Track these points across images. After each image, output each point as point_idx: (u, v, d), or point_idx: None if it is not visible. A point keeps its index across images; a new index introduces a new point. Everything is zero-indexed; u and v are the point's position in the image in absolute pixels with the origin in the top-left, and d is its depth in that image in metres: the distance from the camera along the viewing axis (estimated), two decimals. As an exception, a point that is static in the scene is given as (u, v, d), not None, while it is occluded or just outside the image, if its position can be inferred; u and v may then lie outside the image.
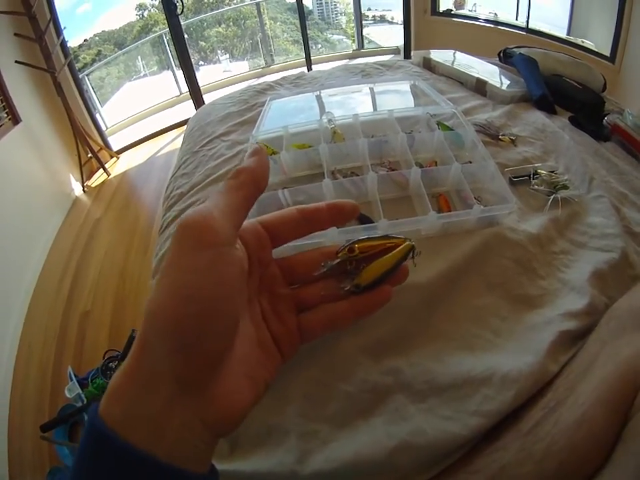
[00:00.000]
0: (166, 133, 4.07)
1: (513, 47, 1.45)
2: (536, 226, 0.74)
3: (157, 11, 4.50)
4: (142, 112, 4.53)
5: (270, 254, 0.34)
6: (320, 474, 0.49)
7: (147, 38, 4.71)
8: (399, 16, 4.48)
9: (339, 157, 0.91)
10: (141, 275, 2.33)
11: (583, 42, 2.96)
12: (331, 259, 0.34)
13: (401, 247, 0.34)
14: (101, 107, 4.23)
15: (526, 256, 0.69)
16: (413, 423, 0.51)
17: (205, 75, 4.96)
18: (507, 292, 0.65)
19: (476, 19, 3.80)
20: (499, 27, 3.58)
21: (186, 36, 4.00)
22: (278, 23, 5.56)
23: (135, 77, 4.96)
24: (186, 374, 0.25)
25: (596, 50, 2.84)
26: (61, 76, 3.08)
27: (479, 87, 1.27)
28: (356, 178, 0.83)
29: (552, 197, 0.80)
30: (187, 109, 4.15)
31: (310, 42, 4.62)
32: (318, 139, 0.91)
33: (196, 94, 3.91)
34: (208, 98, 3.81)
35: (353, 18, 5.29)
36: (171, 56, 4.70)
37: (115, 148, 3.85)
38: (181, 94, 4.72)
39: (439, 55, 1.50)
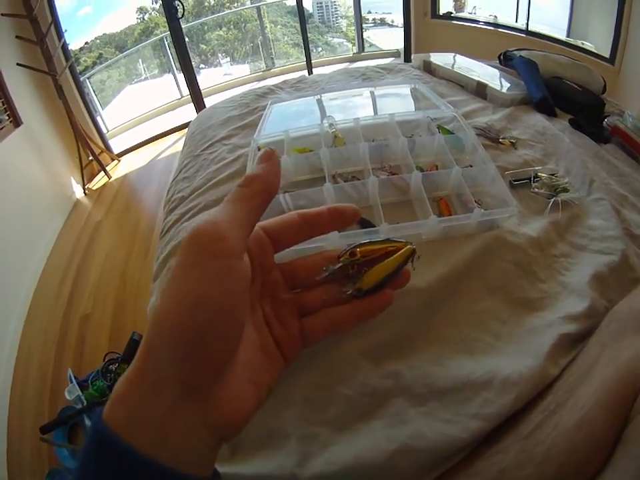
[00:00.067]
0: (167, 136, 4.08)
1: (513, 49, 1.45)
2: (536, 229, 0.74)
3: (158, 14, 4.52)
4: (143, 115, 4.55)
5: (272, 259, 0.34)
6: (320, 477, 0.49)
7: (147, 41, 4.73)
8: (399, 19, 4.48)
9: (339, 161, 0.91)
10: (142, 278, 2.33)
11: (582, 44, 2.97)
12: (333, 263, 0.34)
13: (402, 250, 0.34)
14: (102, 109, 4.24)
15: (526, 259, 0.69)
16: (413, 427, 0.51)
17: (206, 78, 4.98)
18: (507, 295, 0.65)
19: (476, 21, 3.81)
20: (499, 30, 3.59)
21: (187, 39, 4.02)
22: (278, 26, 5.57)
23: (135, 80, 4.98)
24: (191, 380, 0.25)
25: (596, 51, 2.85)
26: (62, 79, 3.09)
27: (479, 90, 1.27)
28: (357, 182, 0.83)
29: (552, 199, 0.80)
30: (188, 112, 4.16)
31: (310, 45, 4.64)
32: (319, 143, 0.92)
33: (197, 97, 3.92)
34: (209, 101, 3.81)
35: (353, 21, 5.30)
36: (171, 59, 4.72)
37: (116, 151, 3.86)
38: (181, 97, 4.74)
39: (439, 58, 1.50)
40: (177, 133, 4.06)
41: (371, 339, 0.60)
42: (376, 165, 0.89)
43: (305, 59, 4.52)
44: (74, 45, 3.81)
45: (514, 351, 0.58)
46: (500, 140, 0.99)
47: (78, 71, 3.54)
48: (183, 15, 3.53)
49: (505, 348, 0.59)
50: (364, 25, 5.27)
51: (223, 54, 5.57)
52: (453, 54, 1.58)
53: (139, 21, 4.67)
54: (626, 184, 0.89)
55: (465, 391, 0.53)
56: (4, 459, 1.62)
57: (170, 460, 0.24)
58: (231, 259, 0.26)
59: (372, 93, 1.27)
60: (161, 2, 3.61)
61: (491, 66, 1.46)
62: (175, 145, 3.81)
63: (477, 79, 1.28)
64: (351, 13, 5.34)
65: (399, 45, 4.51)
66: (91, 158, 3.39)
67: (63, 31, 3.18)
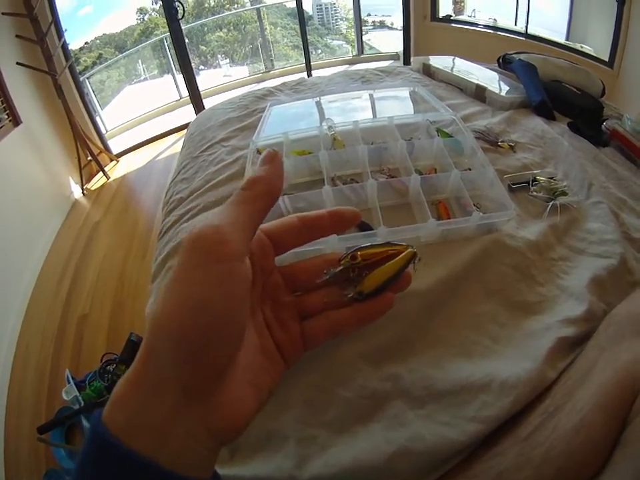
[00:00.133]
0: (166, 137, 4.08)
1: (512, 52, 1.46)
2: (535, 232, 0.75)
3: (158, 15, 4.52)
4: (142, 115, 4.54)
5: (273, 262, 0.34)
6: (318, 479, 0.49)
7: (147, 42, 4.72)
8: (398, 21, 4.48)
9: (338, 163, 0.91)
10: (140, 278, 2.33)
11: (581, 47, 2.98)
12: (334, 267, 0.34)
13: (403, 254, 0.34)
14: (101, 110, 4.23)
15: (525, 263, 0.69)
16: (411, 429, 0.51)
17: (205, 79, 4.97)
18: (505, 299, 0.66)
19: (475, 24, 3.82)
20: (498, 33, 3.60)
21: (186, 40, 4.02)
22: (278, 28, 5.57)
23: (135, 80, 4.97)
24: (192, 383, 0.25)
25: (595, 55, 2.85)
26: (61, 78, 3.08)
27: (479, 93, 1.27)
28: (356, 185, 0.83)
29: (551, 203, 0.80)
30: (187, 113, 4.15)
31: (310, 47, 4.64)
32: (318, 146, 0.92)
33: (196, 98, 3.92)
34: (208, 102, 3.81)
35: (352, 23, 5.31)
36: (171, 60, 4.71)
37: (115, 151, 3.85)
38: (181, 98, 4.73)
39: (439, 61, 1.51)
40: (175, 134, 4.05)
41: (371, 342, 0.60)
42: (375, 167, 0.90)
43: (304, 61, 4.53)
44: (74, 44, 3.80)
45: (512, 354, 0.58)
46: (499, 143, 1.00)
47: (77, 71, 3.54)
48: (182, 16, 3.53)
49: (503, 351, 0.59)
50: (363, 28, 5.27)
51: (223, 55, 5.56)
52: (452, 57, 1.58)
53: (139, 21, 4.66)
54: (624, 187, 0.89)
55: (463, 393, 0.53)
56: (1, 458, 1.61)
57: (169, 462, 0.24)
58: (233, 262, 0.26)
59: (371, 95, 1.27)
60: (161, 3, 3.62)
61: (490, 69, 1.47)
62: (174, 145, 3.81)
63: (476, 82, 1.29)
64: (351, 15, 5.34)
65: (399, 47, 4.52)
66: (89, 158, 3.39)
67: (63, 30, 3.17)
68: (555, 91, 1.21)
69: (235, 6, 5.31)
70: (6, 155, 2.56)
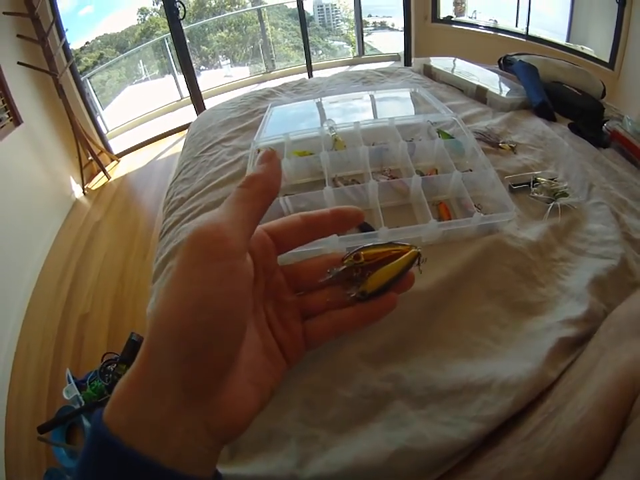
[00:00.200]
0: (166, 137, 4.08)
1: (513, 54, 1.46)
2: (535, 233, 0.75)
3: (159, 15, 4.52)
4: (143, 116, 4.54)
5: (275, 261, 0.34)
6: (319, 478, 0.49)
7: (148, 42, 4.73)
8: (399, 22, 4.48)
9: (339, 164, 0.91)
10: (140, 278, 2.33)
11: (582, 48, 2.98)
12: (337, 266, 0.34)
13: (407, 254, 0.34)
14: (102, 110, 4.24)
15: (525, 263, 0.69)
16: (412, 429, 0.51)
17: (206, 79, 4.96)
18: (506, 299, 0.66)
19: (476, 25, 3.81)
20: (499, 34, 3.60)
21: (187, 40, 4.02)
22: (279, 29, 5.57)
23: (136, 80, 4.97)
24: (193, 381, 0.25)
25: (595, 56, 2.85)
26: (62, 78, 3.08)
27: (479, 95, 1.28)
28: (357, 186, 0.83)
29: (551, 204, 0.80)
30: (188, 114, 4.15)
31: (311, 48, 4.64)
32: (319, 146, 0.92)
33: (197, 99, 3.92)
34: (209, 103, 3.81)
35: (353, 24, 5.31)
36: (172, 60, 4.70)
37: (116, 151, 3.86)
38: (182, 98, 4.73)
39: (439, 63, 1.51)
40: (176, 134, 4.06)
41: (372, 342, 0.60)
42: (376, 168, 0.90)
43: (305, 62, 4.52)
44: (75, 44, 3.80)
45: (513, 355, 0.58)
46: (500, 144, 1.00)
47: (78, 71, 3.54)
48: (184, 17, 3.54)
49: (504, 351, 0.59)
50: (364, 29, 5.27)
51: (224, 56, 5.56)
52: (453, 58, 1.58)
53: (140, 21, 4.67)
54: (625, 188, 0.89)
55: (464, 393, 0.53)
56: (1, 457, 1.61)
57: (170, 462, 0.24)
58: (233, 260, 0.26)
59: (372, 96, 1.28)
60: (162, 3, 3.62)
61: (491, 70, 1.47)
62: (175, 146, 3.81)
63: (477, 83, 1.29)
64: (352, 16, 5.34)
65: (399, 48, 4.52)
66: (90, 158, 3.39)
67: (64, 30, 3.18)
68: (556, 92, 1.21)
69: (236, 6, 5.31)
70: (7, 155, 2.56)
